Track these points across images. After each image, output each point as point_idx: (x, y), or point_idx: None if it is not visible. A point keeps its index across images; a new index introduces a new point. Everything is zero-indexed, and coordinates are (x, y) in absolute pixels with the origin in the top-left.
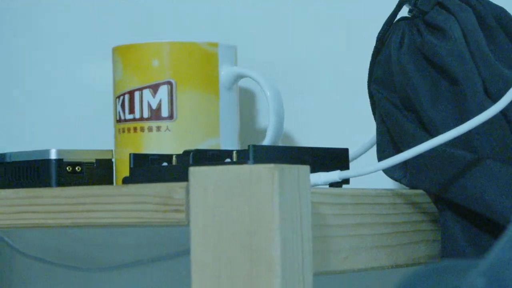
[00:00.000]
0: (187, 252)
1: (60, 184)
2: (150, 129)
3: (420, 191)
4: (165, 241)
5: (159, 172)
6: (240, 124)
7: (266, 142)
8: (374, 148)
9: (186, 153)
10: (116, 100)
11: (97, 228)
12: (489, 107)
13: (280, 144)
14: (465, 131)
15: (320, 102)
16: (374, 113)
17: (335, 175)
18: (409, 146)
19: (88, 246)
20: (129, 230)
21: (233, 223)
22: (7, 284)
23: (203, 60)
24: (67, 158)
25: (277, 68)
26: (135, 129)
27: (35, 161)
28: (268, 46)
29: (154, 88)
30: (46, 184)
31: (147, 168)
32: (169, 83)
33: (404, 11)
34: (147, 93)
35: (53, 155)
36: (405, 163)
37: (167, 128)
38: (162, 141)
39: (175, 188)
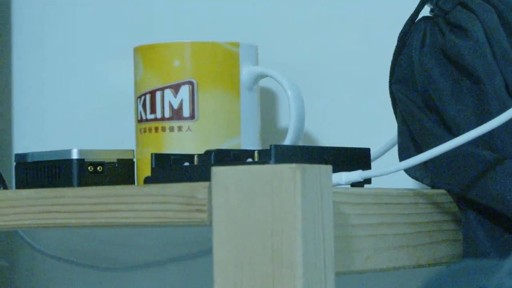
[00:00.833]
0: (208, 252)
1: (81, 184)
2: (171, 129)
3: (442, 190)
4: (185, 240)
5: (181, 172)
6: (261, 124)
7: (287, 142)
8: (396, 148)
9: (208, 153)
10: (137, 100)
11: (118, 228)
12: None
13: (301, 144)
14: (487, 131)
15: (341, 102)
16: (395, 113)
17: (357, 175)
18: (430, 146)
19: (109, 246)
20: (150, 229)
21: (255, 223)
22: (28, 284)
23: (225, 59)
24: (88, 158)
25: (298, 67)
26: (156, 129)
27: (56, 161)
28: (289, 46)
29: (176, 88)
30: (67, 184)
31: (168, 168)
32: (191, 83)
33: (426, 11)
34: (168, 93)
35: (74, 155)
36: (426, 163)
37: (189, 128)
38: (183, 141)
39: (198, 188)
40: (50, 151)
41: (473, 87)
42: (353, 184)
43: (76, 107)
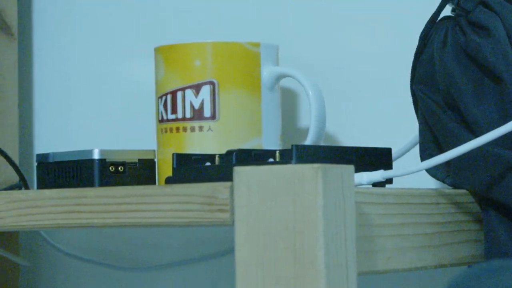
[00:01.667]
0: (228, 251)
1: (102, 184)
2: (192, 129)
3: (464, 190)
4: (206, 240)
5: (203, 172)
6: (282, 124)
7: (308, 142)
8: (417, 148)
9: (229, 153)
10: (158, 100)
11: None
12: None
13: (322, 144)
14: (509, 131)
15: (362, 102)
16: (416, 113)
17: (379, 175)
18: (452, 146)
19: (130, 246)
20: (171, 229)
21: (277, 223)
22: (50, 283)
23: (246, 60)
24: (110, 158)
25: (319, 67)
26: (177, 129)
27: (78, 161)
28: (310, 46)
29: (197, 88)
30: (88, 184)
31: (190, 168)
32: (212, 83)
33: (447, 10)
34: (189, 93)
35: (96, 155)
36: (448, 163)
37: (210, 128)
38: (204, 141)
39: (220, 188)
40: (72, 151)
41: (495, 86)
42: (375, 184)
43: (97, 107)
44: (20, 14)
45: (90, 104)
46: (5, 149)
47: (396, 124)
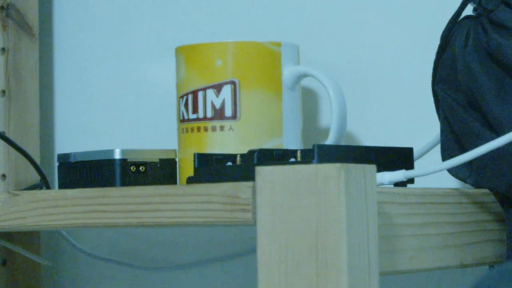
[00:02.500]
0: (249, 251)
1: (124, 184)
2: (213, 129)
3: (486, 190)
4: (227, 240)
5: (224, 172)
6: (303, 124)
7: (329, 141)
8: (438, 147)
9: (251, 152)
10: (179, 100)
11: (161, 227)
12: None
13: (343, 143)
14: None
15: (383, 101)
16: (438, 112)
17: (401, 174)
18: (474, 146)
19: (151, 245)
20: (192, 229)
21: (299, 223)
22: (70, 283)
23: (266, 59)
24: (131, 158)
25: (340, 67)
26: (198, 128)
27: (99, 161)
28: (331, 45)
29: (218, 87)
30: (110, 184)
31: (211, 168)
32: (233, 82)
33: (469, 10)
34: (210, 92)
35: (117, 155)
36: (470, 163)
37: (231, 128)
38: (225, 141)
39: (242, 188)
40: (93, 151)
41: None
42: (396, 184)
43: (118, 107)
44: (41, 14)
45: (111, 104)
46: (27, 149)
47: (417, 124)
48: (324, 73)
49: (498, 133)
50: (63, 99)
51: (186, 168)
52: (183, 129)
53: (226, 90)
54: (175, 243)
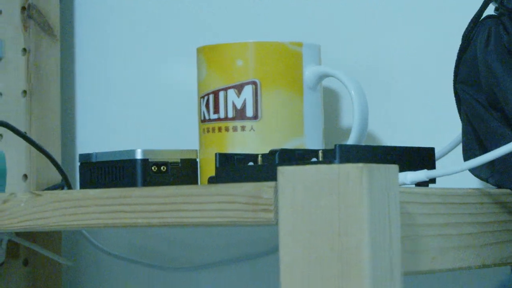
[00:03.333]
0: (270, 251)
1: (145, 184)
2: (234, 129)
3: (508, 190)
4: (248, 240)
5: (246, 172)
6: (324, 124)
7: (351, 141)
8: (459, 147)
9: (272, 152)
10: (200, 100)
11: (182, 227)
12: None
13: (364, 143)
14: None
15: (404, 101)
16: (459, 112)
17: (423, 174)
18: (496, 146)
19: (172, 245)
20: (213, 229)
21: (322, 223)
22: (92, 283)
23: (288, 59)
24: (152, 158)
25: (361, 67)
26: (219, 129)
27: (120, 161)
28: (352, 45)
29: (239, 88)
30: (131, 184)
31: (233, 168)
32: (254, 83)
33: (490, 9)
34: (231, 93)
35: (138, 155)
36: (492, 163)
37: (252, 128)
38: (247, 141)
39: (264, 188)
40: (114, 151)
41: None
42: (418, 184)
43: (139, 107)
44: (62, 15)
45: (132, 104)
46: (48, 149)
47: (439, 124)
48: (345, 73)
49: None
50: (84, 99)
51: (207, 168)
52: (204, 129)
53: (247, 90)
54: (196, 243)
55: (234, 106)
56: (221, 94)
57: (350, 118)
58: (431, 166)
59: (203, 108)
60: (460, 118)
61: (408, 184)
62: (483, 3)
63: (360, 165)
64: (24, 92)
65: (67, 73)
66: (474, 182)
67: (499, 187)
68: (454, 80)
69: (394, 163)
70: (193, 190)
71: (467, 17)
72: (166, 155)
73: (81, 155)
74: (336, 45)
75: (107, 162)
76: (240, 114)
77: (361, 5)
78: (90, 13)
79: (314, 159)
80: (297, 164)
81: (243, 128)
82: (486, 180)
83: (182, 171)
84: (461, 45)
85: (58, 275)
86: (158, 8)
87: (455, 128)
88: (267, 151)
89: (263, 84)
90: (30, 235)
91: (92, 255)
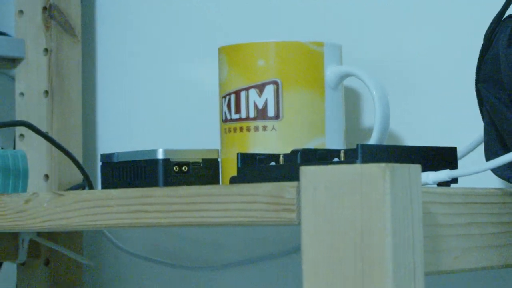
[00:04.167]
0: (290, 251)
1: (167, 184)
2: (256, 129)
3: None
4: (268, 240)
5: (267, 172)
6: (345, 123)
7: (372, 141)
8: (481, 147)
9: (294, 152)
10: (222, 100)
11: (206, 227)
12: None
13: (385, 143)
14: None
15: (426, 101)
16: (481, 111)
17: (445, 174)
18: None
19: (193, 245)
20: (233, 228)
21: (344, 223)
22: (113, 283)
23: (309, 59)
24: (174, 158)
25: (382, 66)
26: (241, 128)
27: (142, 161)
28: (373, 45)
29: (260, 87)
30: (153, 184)
31: (255, 168)
32: (275, 82)
33: None
34: (253, 92)
35: (160, 155)
36: None
37: (273, 128)
38: (268, 141)
39: (286, 188)
40: (136, 151)
41: None
42: (440, 184)
43: (160, 107)
44: (83, 15)
45: (153, 103)
46: (69, 149)
47: (460, 123)
48: (367, 72)
49: None
50: (106, 99)
51: (229, 168)
52: (225, 129)
53: (269, 90)
54: (217, 243)
55: (255, 106)
56: (243, 94)
57: (371, 118)
58: (453, 166)
59: (225, 108)
60: (482, 117)
61: (430, 184)
62: (505, 3)
63: (383, 165)
64: (46, 92)
65: (88, 73)
66: (496, 182)
67: None
68: (476, 79)
69: (415, 163)
70: (215, 190)
71: (488, 17)
72: (187, 155)
73: (102, 155)
74: (358, 45)
75: (128, 162)
76: (261, 114)
77: (381, 5)
78: (111, 13)
79: (336, 159)
80: (319, 164)
81: (264, 128)
82: (508, 180)
83: (204, 171)
84: (483, 45)
85: (79, 275)
86: (179, 7)
87: (476, 127)
88: (288, 151)
89: (284, 84)
90: (51, 235)
91: (114, 255)
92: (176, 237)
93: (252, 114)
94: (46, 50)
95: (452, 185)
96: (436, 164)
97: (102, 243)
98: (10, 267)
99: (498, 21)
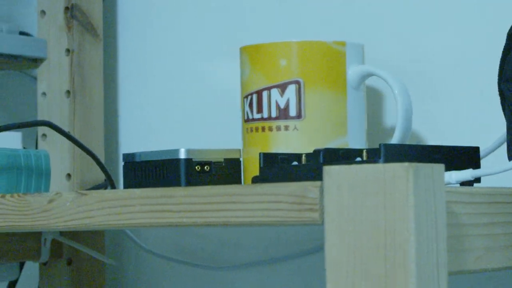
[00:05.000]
0: (311, 251)
1: (189, 183)
2: (278, 129)
3: None
4: (289, 239)
5: (290, 171)
6: (367, 123)
7: (394, 140)
8: (503, 146)
9: (316, 152)
10: (244, 100)
11: (229, 227)
12: None
13: (408, 143)
14: None
15: (448, 100)
16: (504, 111)
17: (468, 174)
18: None
19: (214, 245)
20: (253, 228)
21: (367, 222)
22: (135, 282)
23: (331, 59)
24: (196, 157)
25: (405, 66)
26: (263, 128)
27: (164, 160)
28: (395, 45)
29: (282, 87)
30: (175, 183)
31: (277, 167)
32: (297, 82)
33: None
34: (275, 92)
35: (182, 155)
36: None
37: (295, 127)
38: (290, 140)
39: (309, 187)
40: (158, 151)
41: None
42: (463, 183)
43: (182, 107)
44: (105, 15)
45: (175, 103)
46: (91, 149)
47: (483, 123)
48: (389, 72)
49: None
50: (127, 99)
51: (250, 168)
52: (247, 128)
53: (291, 90)
54: (239, 243)
55: (277, 105)
56: (265, 93)
57: (393, 117)
58: (476, 165)
59: (247, 108)
60: (505, 116)
61: (453, 184)
62: None
63: (406, 164)
64: (68, 92)
65: (110, 73)
66: None
67: None
68: (498, 79)
69: (438, 162)
70: (237, 190)
71: (511, 15)
72: (209, 155)
73: (124, 155)
74: (380, 44)
75: (150, 161)
76: (283, 113)
77: (404, 4)
78: (132, 13)
79: (358, 159)
80: (342, 163)
81: (286, 127)
82: None
83: (226, 171)
84: (506, 44)
85: (101, 274)
86: (200, 7)
87: (499, 126)
88: (310, 151)
89: (306, 83)
90: (73, 235)
91: (136, 254)
92: (197, 236)
93: (274, 113)
94: (68, 50)
95: (475, 185)
96: (459, 163)
97: (124, 243)
98: (32, 267)
99: None
